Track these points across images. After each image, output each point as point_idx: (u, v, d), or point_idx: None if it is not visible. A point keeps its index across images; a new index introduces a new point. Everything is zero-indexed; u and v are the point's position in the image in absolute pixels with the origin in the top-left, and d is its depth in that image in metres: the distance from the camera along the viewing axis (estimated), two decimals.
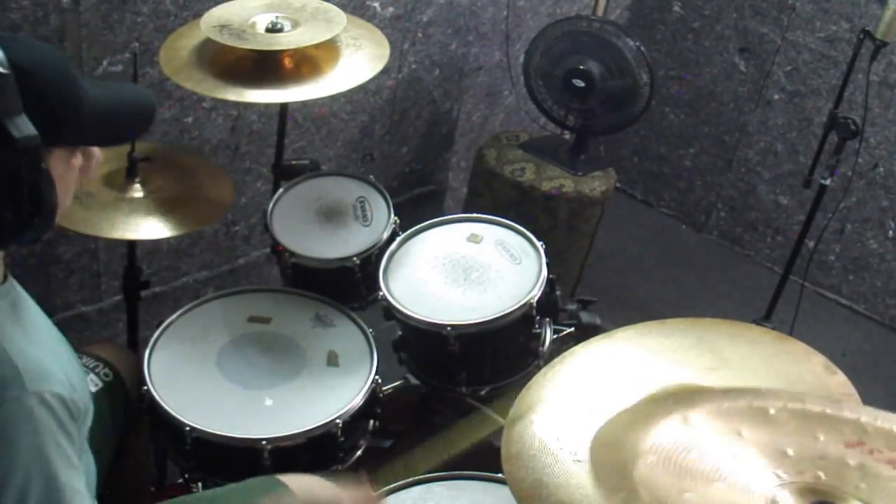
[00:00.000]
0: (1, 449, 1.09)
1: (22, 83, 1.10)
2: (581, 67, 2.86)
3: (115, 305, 2.52)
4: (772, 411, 1.06)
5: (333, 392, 1.82)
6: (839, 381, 1.23)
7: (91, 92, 1.24)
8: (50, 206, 1.16)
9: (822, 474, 0.98)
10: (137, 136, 1.47)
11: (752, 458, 0.99)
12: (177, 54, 2.01)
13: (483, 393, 2.06)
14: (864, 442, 1.03)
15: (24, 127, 1.09)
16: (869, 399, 1.13)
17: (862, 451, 1.01)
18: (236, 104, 2.54)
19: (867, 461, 1.00)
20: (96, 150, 1.29)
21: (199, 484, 1.77)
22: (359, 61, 2.07)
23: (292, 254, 2.06)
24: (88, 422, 1.38)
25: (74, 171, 1.25)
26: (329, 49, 2.07)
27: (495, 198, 3.00)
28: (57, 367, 1.21)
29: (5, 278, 1.25)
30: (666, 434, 1.01)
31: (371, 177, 2.26)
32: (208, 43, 2.00)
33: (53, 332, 1.34)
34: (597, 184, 2.97)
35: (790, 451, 1.01)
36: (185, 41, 2.05)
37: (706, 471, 0.97)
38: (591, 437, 1.02)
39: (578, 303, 2.33)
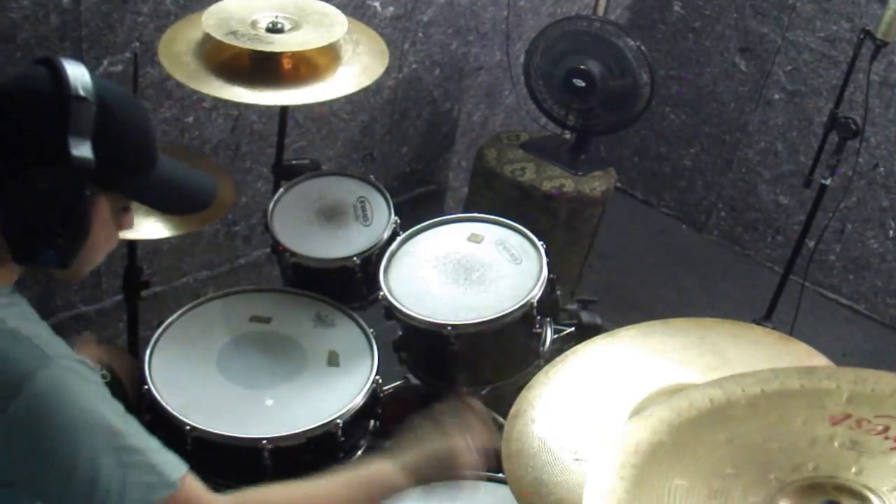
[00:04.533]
0: (54, 421, 1.10)
1: (102, 117, 1.16)
2: (581, 67, 2.85)
3: (116, 305, 2.52)
4: (744, 402, 1.04)
5: (334, 392, 1.82)
6: None
7: (163, 161, 1.30)
8: (78, 235, 1.19)
9: (818, 465, 0.95)
10: (185, 214, 1.60)
11: (746, 468, 0.96)
12: (177, 48, 2.01)
13: (483, 393, 2.06)
14: (850, 413, 1.00)
15: (84, 150, 1.14)
16: None
17: (850, 426, 0.99)
18: (237, 104, 2.54)
19: (858, 437, 0.97)
20: (133, 217, 1.33)
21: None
22: (358, 66, 2.07)
23: (293, 254, 2.06)
24: None
25: (115, 224, 1.28)
26: (329, 51, 2.06)
27: (495, 198, 2.99)
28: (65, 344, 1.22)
29: (12, 289, 1.25)
30: (659, 456, 0.98)
31: (371, 177, 2.26)
32: (208, 41, 2.00)
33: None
34: (597, 184, 2.97)
35: (777, 446, 0.98)
36: (185, 41, 2.04)
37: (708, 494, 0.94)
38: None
39: (579, 303, 2.33)
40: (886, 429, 0.97)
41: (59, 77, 1.15)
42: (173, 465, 1.18)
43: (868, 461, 0.95)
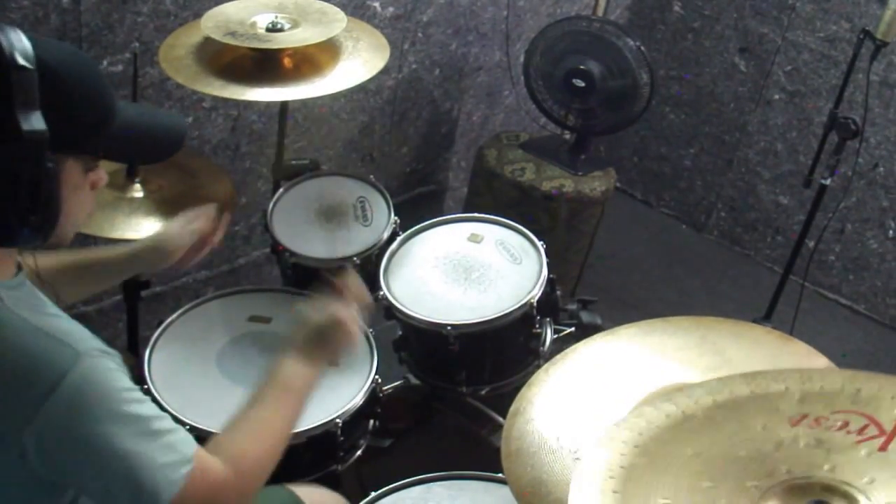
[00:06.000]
0: (89, 417, 1.12)
1: (47, 82, 1.11)
2: (581, 67, 2.85)
3: (115, 305, 2.51)
4: (700, 415, 1.03)
5: (333, 391, 1.82)
6: None
7: (125, 111, 1.25)
8: (50, 207, 1.15)
9: (790, 467, 0.94)
10: (163, 160, 1.52)
11: (723, 480, 0.94)
12: (177, 54, 2.01)
13: (483, 393, 2.06)
14: (806, 413, 1.00)
15: (34, 122, 1.09)
16: None
17: (810, 426, 0.98)
18: (236, 104, 2.54)
19: (820, 435, 0.97)
20: (103, 172, 1.28)
21: None
22: (359, 61, 2.07)
23: (292, 254, 2.06)
24: None
25: (89, 186, 1.24)
26: (329, 48, 2.07)
27: (495, 198, 3.00)
28: (85, 329, 1.22)
29: (17, 274, 1.24)
30: (636, 478, 0.95)
31: (371, 177, 2.26)
32: (208, 42, 2.00)
33: None
34: (597, 184, 2.97)
35: (745, 454, 0.97)
36: (185, 46, 2.05)
37: None
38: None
39: (579, 303, 2.33)
40: (846, 423, 0.97)
41: None
42: (187, 442, 1.22)
43: (838, 457, 0.94)
